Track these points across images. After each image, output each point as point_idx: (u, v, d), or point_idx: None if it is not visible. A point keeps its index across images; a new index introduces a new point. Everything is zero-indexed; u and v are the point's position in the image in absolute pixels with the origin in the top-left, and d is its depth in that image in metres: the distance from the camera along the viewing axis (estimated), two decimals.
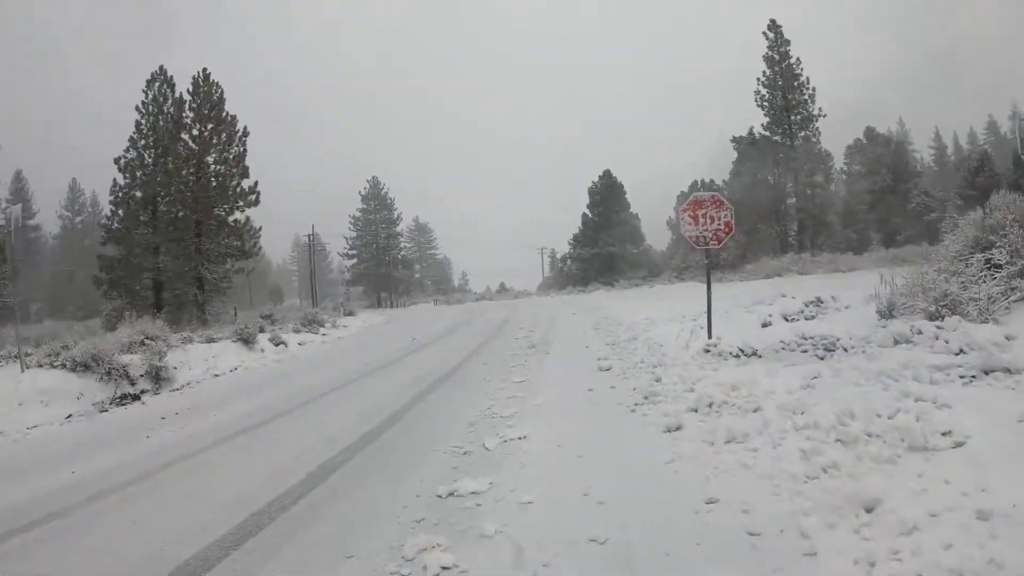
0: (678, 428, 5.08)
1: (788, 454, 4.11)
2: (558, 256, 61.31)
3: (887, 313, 7.90)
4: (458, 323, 20.64)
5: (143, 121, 26.61)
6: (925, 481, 3.50)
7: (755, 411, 5.13)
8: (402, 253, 65.52)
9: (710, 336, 8.64)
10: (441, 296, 59.30)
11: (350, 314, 29.23)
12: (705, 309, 12.46)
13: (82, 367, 10.36)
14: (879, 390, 5.16)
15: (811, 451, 4.03)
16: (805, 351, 7.05)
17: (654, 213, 65.98)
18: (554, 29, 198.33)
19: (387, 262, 61.06)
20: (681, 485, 4.01)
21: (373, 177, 63.30)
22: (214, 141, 26.68)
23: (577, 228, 54.09)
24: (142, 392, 10.83)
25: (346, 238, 62.83)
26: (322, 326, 21.35)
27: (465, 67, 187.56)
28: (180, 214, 25.78)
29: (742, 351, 7.57)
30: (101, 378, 10.35)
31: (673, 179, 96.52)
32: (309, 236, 55.90)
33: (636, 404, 6.16)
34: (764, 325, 9.33)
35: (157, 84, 27.12)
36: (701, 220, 8.69)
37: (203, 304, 25.37)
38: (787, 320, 9.50)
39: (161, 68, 27.29)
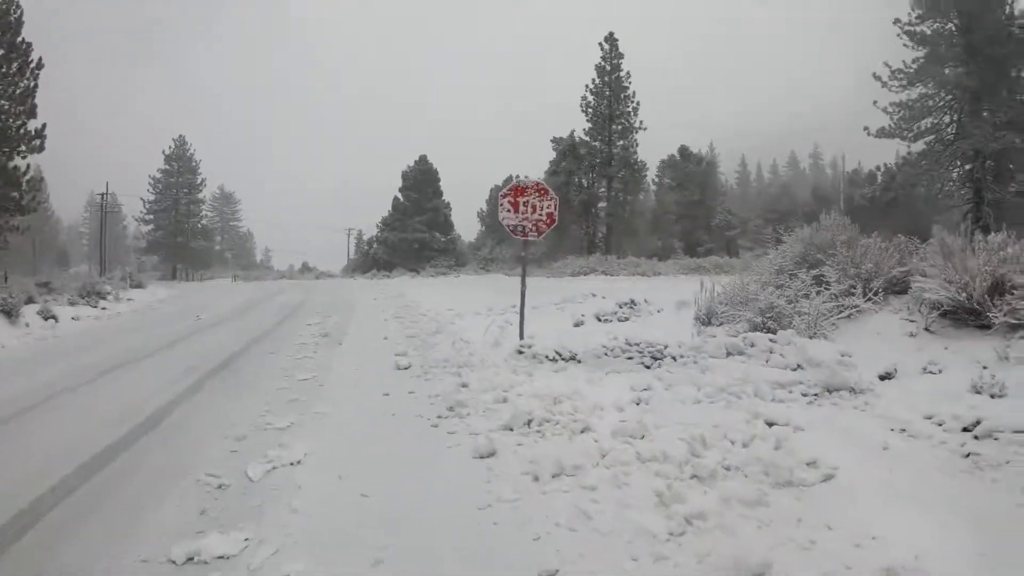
0: (491, 454, 4.06)
1: (638, 497, 3.23)
2: (364, 239, 58.93)
3: (706, 320, 7.75)
4: (252, 302, 18.29)
5: None
6: (807, 529, 2.89)
7: (583, 431, 4.34)
8: (202, 223, 58.93)
9: (522, 335, 7.75)
10: (241, 272, 54.42)
11: (138, 286, 25.33)
12: (514, 304, 12.07)
13: None
14: (722, 408, 4.71)
15: (667, 494, 3.20)
16: (631, 358, 6.41)
17: (466, 203, 66.37)
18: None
19: (186, 231, 54.92)
20: (505, 548, 2.89)
21: (180, 136, 55.64)
22: (2, 70, 21.54)
23: (387, 211, 52.57)
24: None
25: (144, 200, 55.06)
26: (103, 299, 17.97)
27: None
28: None
29: (559, 354, 6.75)
30: None
31: (488, 175, 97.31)
32: (103, 196, 48.62)
33: (439, 417, 5.12)
34: (576, 324, 8.82)
35: None
36: (522, 208, 7.72)
37: None
38: (600, 320, 9.15)
39: None
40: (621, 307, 9.95)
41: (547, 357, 6.74)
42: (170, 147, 55.33)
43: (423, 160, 51.37)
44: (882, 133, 23.28)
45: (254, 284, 34.89)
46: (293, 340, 9.55)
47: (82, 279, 22.35)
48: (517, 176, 55.80)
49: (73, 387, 6.44)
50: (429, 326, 10.60)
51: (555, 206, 7.90)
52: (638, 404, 5.05)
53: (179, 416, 5.34)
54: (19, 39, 21.77)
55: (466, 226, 58.50)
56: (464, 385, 5.90)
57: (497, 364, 6.71)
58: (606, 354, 6.50)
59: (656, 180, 51.75)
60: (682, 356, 6.25)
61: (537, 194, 7.81)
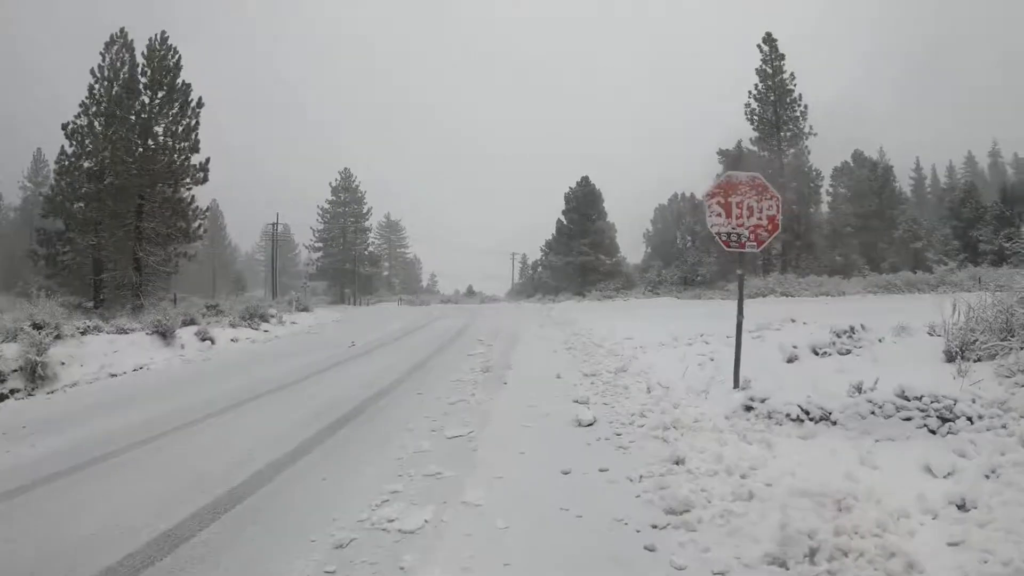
0: None
1: None
2: (529, 263, 59.17)
3: (958, 353, 6.03)
4: (412, 327, 18.48)
5: (97, 86, 24.06)
6: None
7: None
8: (369, 249, 62.65)
9: (737, 381, 6.19)
10: (407, 296, 56.99)
11: (304, 309, 27.01)
12: (702, 332, 10.60)
13: None
14: None
15: None
16: (908, 418, 4.48)
17: (630, 225, 64.62)
18: (551, 45, 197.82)
19: (353, 257, 58.43)
20: None
21: (345, 168, 60.42)
22: (164, 111, 24.19)
23: (551, 235, 52.27)
24: (12, 392, 8.72)
25: (313, 230, 60.19)
26: (266, 321, 19.17)
27: (453, 73, 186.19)
28: (121, 187, 23.14)
29: (805, 412, 4.93)
30: None
31: (650, 195, 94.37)
32: (273, 225, 53.41)
33: (654, 527, 3.36)
34: (790, 360, 7.29)
35: (115, 47, 24.61)
36: (735, 211, 6.24)
37: (139, 288, 22.71)
38: (818, 354, 7.47)
39: (122, 30, 24.78)
40: (839, 336, 8.17)
41: (788, 416, 5.00)
42: (336, 179, 59.43)
43: (585, 181, 50.95)
44: None
45: (419, 308, 35.85)
46: (449, 375, 8.86)
47: (246, 302, 23.91)
48: (678, 196, 54.30)
49: (165, 431, 5.95)
50: (609, 361, 9.23)
51: (777, 207, 6.40)
52: (961, 507, 3.29)
53: (266, 496, 4.04)
54: (178, 81, 24.13)
55: (631, 248, 57.18)
56: (678, 462, 4.28)
57: (717, 424, 5.16)
58: (873, 412, 4.64)
59: (830, 190, 47.39)
60: (981, 416, 4.35)
61: (754, 192, 6.34)
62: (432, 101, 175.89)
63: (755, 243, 6.39)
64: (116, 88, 23.86)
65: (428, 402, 6.96)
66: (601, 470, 4.36)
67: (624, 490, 3.96)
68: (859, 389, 5.06)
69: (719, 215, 6.39)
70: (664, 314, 19.26)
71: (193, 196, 24.37)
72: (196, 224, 24.35)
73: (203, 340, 13.75)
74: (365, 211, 60.51)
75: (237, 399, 7.48)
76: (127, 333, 12.81)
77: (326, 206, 59.97)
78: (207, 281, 63.37)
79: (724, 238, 6.43)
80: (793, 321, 10.71)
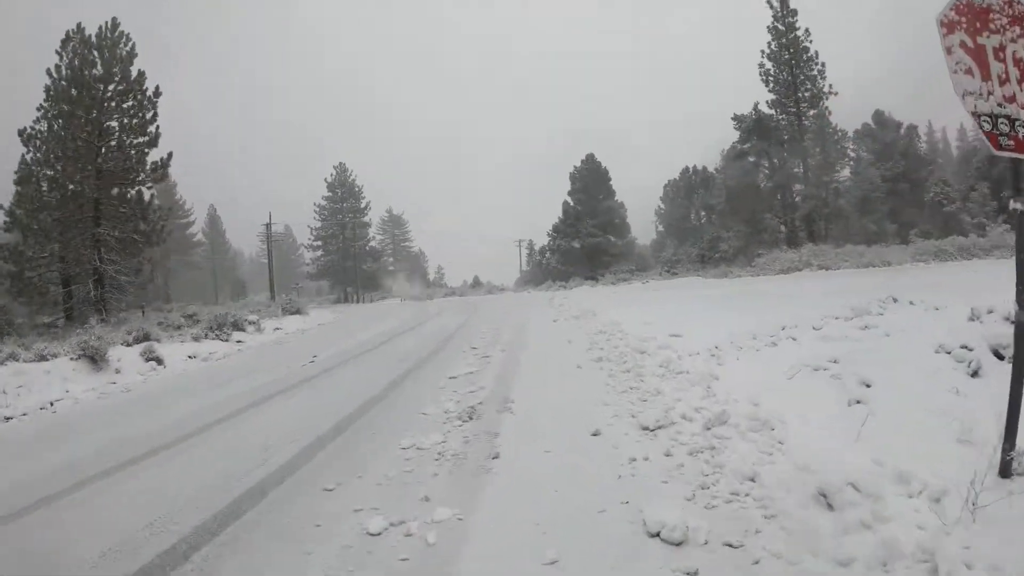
0: None
1: None
2: (536, 248, 56.37)
3: None
4: (397, 331, 15.54)
5: (53, 87, 21.51)
6: None
7: None
8: (370, 244, 59.88)
9: (1012, 439, 3.02)
10: (413, 290, 54.62)
11: (296, 312, 24.44)
12: (784, 325, 7.36)
13: None
14: None
15: None
16: None
17: (639, 205, 61.78)
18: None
19: (353, 254, 55.87)
20: None
21: (340, 163, 57.61)
22: (118, 104, 21.63)
23: (557, 218, 49.53)
24: None
25: (311, 228, 57.66)
26: (241, 330, 16.62)
27: (449, 65, 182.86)
28: (77, 192, 20.71)
29: None
30: None
31: (660, 173, 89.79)
32: (267, 225, 50.94)
33: None
34: (974, 373, 4.56)
35: (72, 44, 21.99)
36: (998, 65, 2.98)
37: (100, 302, 20.24)
38: (1002, 357, 4.78)
39: (78, 26, 22.13)
40: (977, 321, 5.45)
41: None
42: (332, 175, 56.79)
43: (590, 159, 48.14)
44: None
45: (418, 305, 33.13)
46: (409, 425, 5.50)
47: (238, 307, 21.50)
48: (690, 169, 51.53)
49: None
50: (673, 387, 5.90)
51: None
52: None
53: None
54: (130, 71, 21.74)
55: (642, 229, 54.31)
56: None
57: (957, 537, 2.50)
58: None
59: (852, 153, 44.28)
60: None
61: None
62: (422, 100, 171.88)
63: None
64: (75, 89, 21.39)
65: (348, 504, 3.75)
66: None
67: None
68: None
69: (967, 71, 3.04)
70: (698, 296, 16.56)
71: (153, 195, 21.89)
72: (160, 226, 21.82)
73: (149, 360, 11.32)
74: (363, 205, 57.86)
75: (87, 472, 4.68)
76: (48, 359, 10.37)
77: (323, 203, 57.34)
78: (209, 288, 61.35)
79: (988, 128, 3.03)
80: (895, 300, 8.03)
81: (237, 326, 16.74)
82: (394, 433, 5.29)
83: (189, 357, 12.45)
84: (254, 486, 4.15)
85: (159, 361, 11.44)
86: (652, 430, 4.79)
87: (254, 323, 17.99)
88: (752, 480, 3.58)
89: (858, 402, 4.42)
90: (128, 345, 12.29)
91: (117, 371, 10.51)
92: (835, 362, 5.29)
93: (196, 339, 14.33)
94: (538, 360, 8.76)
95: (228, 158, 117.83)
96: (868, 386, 4.59)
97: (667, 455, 4.25)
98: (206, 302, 37.46)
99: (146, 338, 13.14)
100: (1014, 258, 3.12)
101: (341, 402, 6.77)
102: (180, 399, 8.01)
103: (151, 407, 7.68)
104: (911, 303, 7.70)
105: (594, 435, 4.86)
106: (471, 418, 5.66)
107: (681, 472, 3.93)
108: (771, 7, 38.15)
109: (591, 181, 47.53)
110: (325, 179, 57.07)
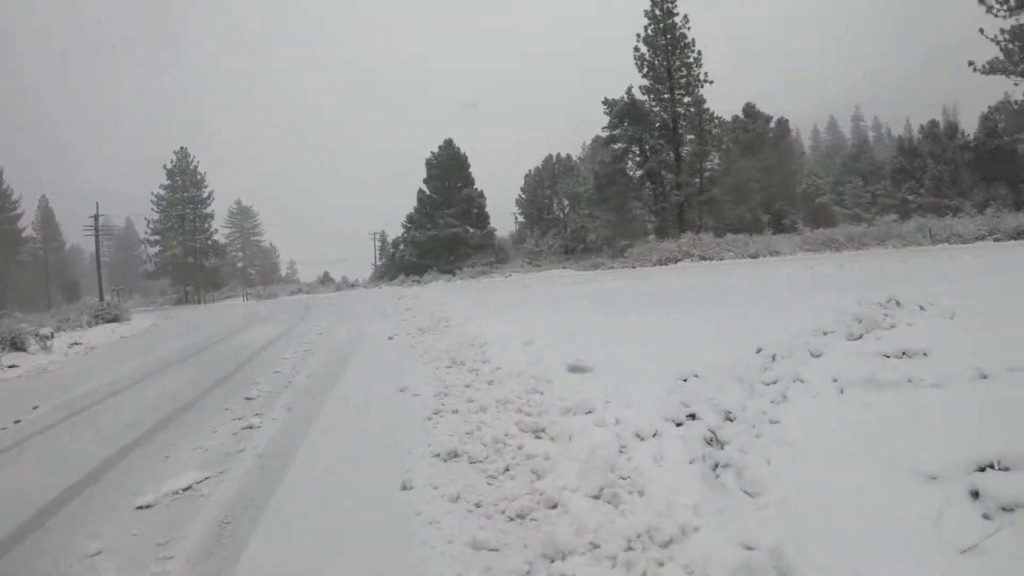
0: None
1: None
2: (390, 240, 52.31)
3: None
4: (202, 345, 11.42)
5: None
6: None
7: None
8: (213, 238, 52.35)
9: None
10: (255, 288, 48.72)
11: (114, 319, 19.26)
12: (730, 351, 4.50)
13: None
14: None
15: None
16: None
17: (498, 195, 59.19)
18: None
19: (195, 249, 48.96)
20: None
21: (182, 148, 49.73)
22: None
23: (412, 208, 45.90)
24: None
25: (147, 220, 49.60)
26: (21, 350, 11.84)
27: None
28: None
29: None
30: None
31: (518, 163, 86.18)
32: (94, 217, 43.08)
33: None
34: None
35: None
36: None
37: None
38: None
39: None
40: None
41: None
42: (172, 160, 49.51)
43: (449, 144, 44.67)
44: (993, 68, 21.41)
45: (249, 308, 28.15)
46: None
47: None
48: (553, 157, 49.44)
49: None
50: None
51: None
52: None
53: None
54: None
55: (500, 220, 51.45)
56: None
57: None
58: None
59: (725, 145, 44.19)
60: None
61: None
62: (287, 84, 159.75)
63: None
64: None
65: None
66: None
67: None
68: None
69: None
70: (580, 294, 13.69)
71: None
72: None
73: None
74: (206, 195, 50.31)
75: None
76: None
77: (161, 192, 49.43)
78: (41, 290, 52.19)
79: None
80: (898, 304, 5.31)
81: (16, 344, 11.92)
82: None
83: None
84: None
85: None
86: None
87: (46, 337, 13.05)
88: None
89: None
90: None
91: None
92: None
93: None
94: (331, 451, 4.63)
95: (65, 142, 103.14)
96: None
97: None
98: (34, 308, 31.91)
99: None
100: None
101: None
102: None
103: None
104: (920, 308, 5.03)
105: None
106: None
107: None
108: None
109: (449, 168, 44.38)
110: (164, 165, 49.39)
